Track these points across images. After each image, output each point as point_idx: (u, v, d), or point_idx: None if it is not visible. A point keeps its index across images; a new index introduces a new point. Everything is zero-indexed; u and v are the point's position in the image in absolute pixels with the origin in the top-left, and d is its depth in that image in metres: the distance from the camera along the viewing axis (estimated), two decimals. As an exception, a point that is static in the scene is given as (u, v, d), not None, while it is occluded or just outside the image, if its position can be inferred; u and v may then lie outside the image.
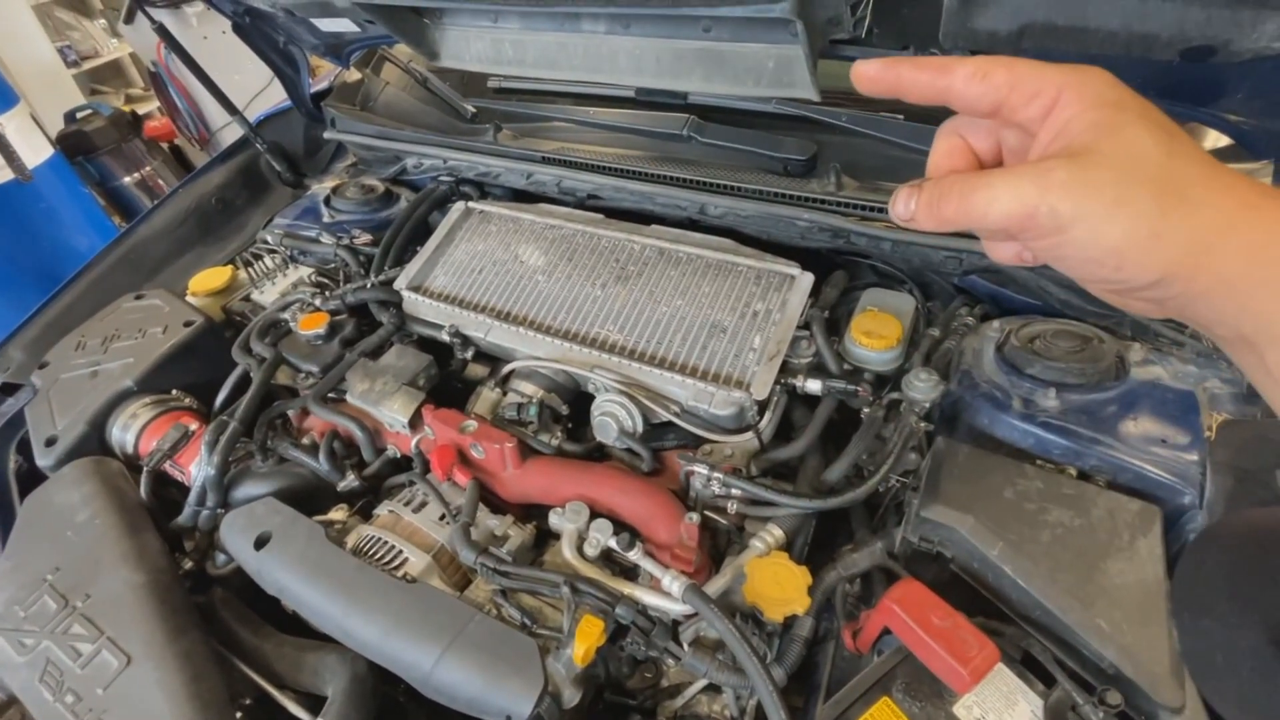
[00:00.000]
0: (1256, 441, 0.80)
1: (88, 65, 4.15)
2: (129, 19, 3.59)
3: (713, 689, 0.83)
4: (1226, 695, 0.62)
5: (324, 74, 1.86)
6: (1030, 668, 0.68)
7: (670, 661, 0.81)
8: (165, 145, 4.07)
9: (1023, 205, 0.36)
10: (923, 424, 0.90)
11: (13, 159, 2.78)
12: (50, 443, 1.11)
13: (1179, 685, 0.64)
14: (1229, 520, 0.74)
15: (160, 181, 3.80)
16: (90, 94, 4.18)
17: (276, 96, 1.79)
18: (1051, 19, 0.72)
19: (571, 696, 0.77)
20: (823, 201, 1.11)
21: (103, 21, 4.30)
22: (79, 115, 3.57)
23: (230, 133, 3.73)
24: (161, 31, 1.62)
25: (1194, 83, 0.74)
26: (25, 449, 1.17)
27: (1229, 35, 0.66)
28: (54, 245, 2.96)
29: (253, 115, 1.77)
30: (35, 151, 2.90)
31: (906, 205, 0.42)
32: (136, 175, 3.72)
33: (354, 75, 1.66)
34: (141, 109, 4.08)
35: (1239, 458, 0.79)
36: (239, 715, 0.83)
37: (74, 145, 3.44)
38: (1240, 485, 0.77)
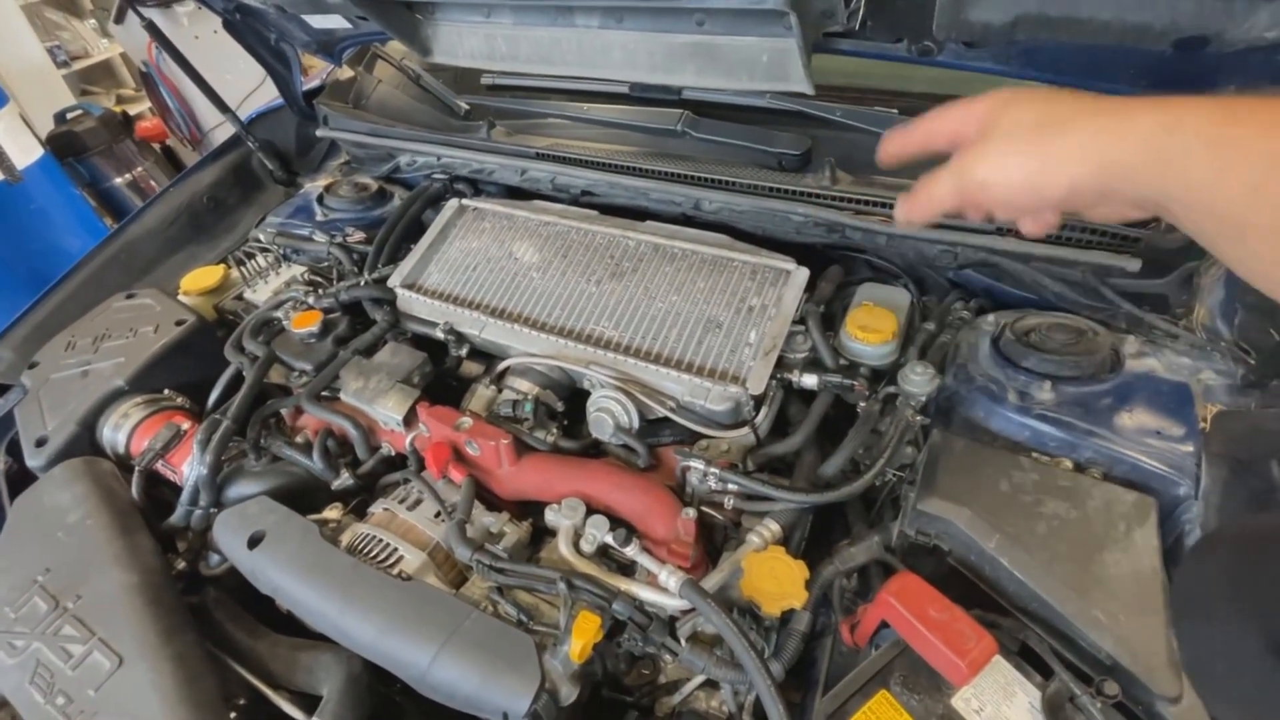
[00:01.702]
0: (1251, 432, 0.80)
1: (78, 65, 4.12)
2: (119, 19, 3.58)
3: (710, 684, 0.83)
4: (1227, 702, 0.62)
5: (316, 72, 1.85)
6: (1028, 659, 0.68)
7: (668, 657, 0.81)
8: (157, 146, 4.05)
9: (955, 186, 0.54)
10: (919, 418, 0.90)
11: (2, 160, 2.76)
12: (40, 443, 1.10)
13: (1176, 675, 0.64)
14: (1230, 526, 0.74)
15: (152, 182, 3.78)
16: (80, 94, 4.15)
17: (268, 96, 1.78)
18: (1044, 10, 0.72)
19: (569, 693, 0.77)
20: (817, 196, 1.11)
21: (93, 22, 4.27)
22: (69, 116, 3.55)
23: (222, 133, 3.70)
24: (152, 30, 1.61)
25: (1187, 73, 0.74)
26: (15, 450, 1.16)
27: (1221, 25, 0.66)
28: (44, 246, 2.94)
29: (245, 114, 1.75)
30: (25, 152, 2.88)
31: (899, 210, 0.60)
32: (128, 176, 3.70)
33: (346, 73, 1.65)
34: (133, 109, 4.06)
35: (1234, 449, 0.79)
36: (233, 715, 0.82)
37: (64, 146, 3.42)
38: (1235, 476, 0.77)
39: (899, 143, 0.60)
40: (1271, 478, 0.75)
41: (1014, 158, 0.50)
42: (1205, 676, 0.63)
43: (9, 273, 2.81)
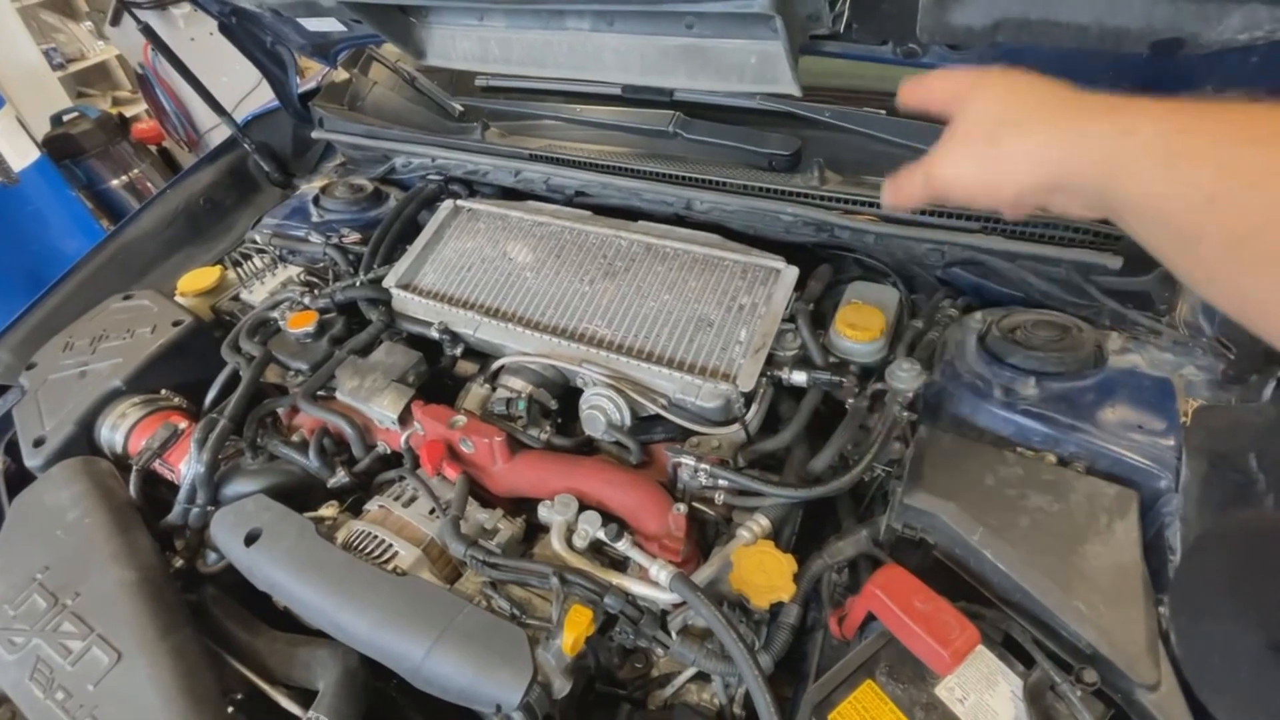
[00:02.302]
0: (1230, 426, 0.82)
1: (74, 68, 4.13)
2: (115, 21, 3.58)
3: (702, 678, 0.84)
4: (1224, 698, 0.62)
5: (312, 74, 1.86)
6: (1010, 649, 0.69)
7: (659, 651, 0.82)
8: (153, 148, 4.05)
9: (923, 185, 0.55)
10: (906, 413, 0.91)
11: (-1, 162, 2.77)
12: (39, 443, 1.11)
13: (1154, 663, 0.65)
14: (1228, 523, 0.74)
15: (148, 184, 3.77)
16: (76, 97, 4.16)
17: (264, 98, 1.79)
18: (1025, 14, 0.73)
19: (561, 686, 0.78)
20: (807, 196, 1.13)
21: (89, 24, 4.27)
22: (65, 118, 3.55)
23: (219, 134, 3.69)
24: (148, 33, 1.62)
25: (1165, 75, 0.76)
26: (13, 450, 1.17)
27: (1196, 28, 0.68)
28: (41, 249, 2.95)
29: (241, 116, 1.76)
30: (21, 154, 2.89)
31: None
32: (124, 178, 3.69)
33: (342, 75, 1.66)
34: (129, 111, 4.06)
35: (1213, 442, 0.80)
36: (230, 710, 0.83)
37: (61, 148, 3.41)
38: (1214, 469, 0.78)
39: (910, 92, 0.60)
40: (1250, 471, 0.76)
41: (969, 162, 0.51)
42: (1203, 673, 0.64)
43: (6, 275, 2.82)
